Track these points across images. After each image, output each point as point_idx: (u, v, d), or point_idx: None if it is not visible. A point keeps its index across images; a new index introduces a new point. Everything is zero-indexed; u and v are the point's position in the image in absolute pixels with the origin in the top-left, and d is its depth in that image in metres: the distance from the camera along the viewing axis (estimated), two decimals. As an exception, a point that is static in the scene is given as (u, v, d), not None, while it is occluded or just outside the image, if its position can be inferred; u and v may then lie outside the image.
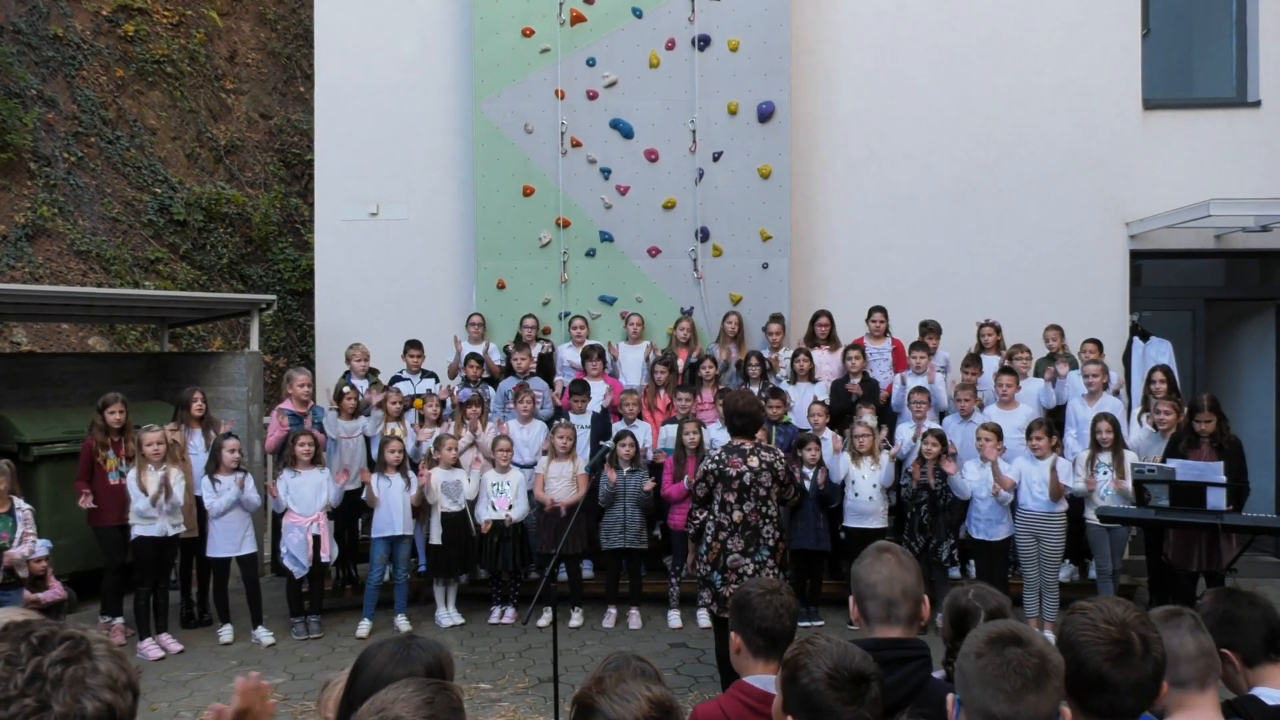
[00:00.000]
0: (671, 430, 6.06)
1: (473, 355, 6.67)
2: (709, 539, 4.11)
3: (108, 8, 10.39)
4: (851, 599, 2.04)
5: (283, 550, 5.61)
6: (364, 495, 5.81)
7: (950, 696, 1.51)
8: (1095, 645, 1.53)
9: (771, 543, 4.10)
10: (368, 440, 6.19)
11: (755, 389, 6.33)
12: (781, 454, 4.32)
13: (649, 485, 5.77)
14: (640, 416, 6.28)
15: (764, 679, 2.02)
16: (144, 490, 5.25)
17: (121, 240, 9.78)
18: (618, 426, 6.16)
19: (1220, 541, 4.87)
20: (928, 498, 5.63)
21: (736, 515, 4.06)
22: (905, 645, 1.93)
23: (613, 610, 5.86)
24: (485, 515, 5.84)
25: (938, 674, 2.02)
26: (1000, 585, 5.43)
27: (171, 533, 5.35)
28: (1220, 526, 4.69)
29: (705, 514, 4.14)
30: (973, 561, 5.94)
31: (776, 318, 6.92)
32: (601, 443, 5.64)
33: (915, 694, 1.87)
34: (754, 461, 4.09)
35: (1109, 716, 1.53)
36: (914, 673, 1.90)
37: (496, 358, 6.91)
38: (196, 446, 5.77)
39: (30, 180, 9.44)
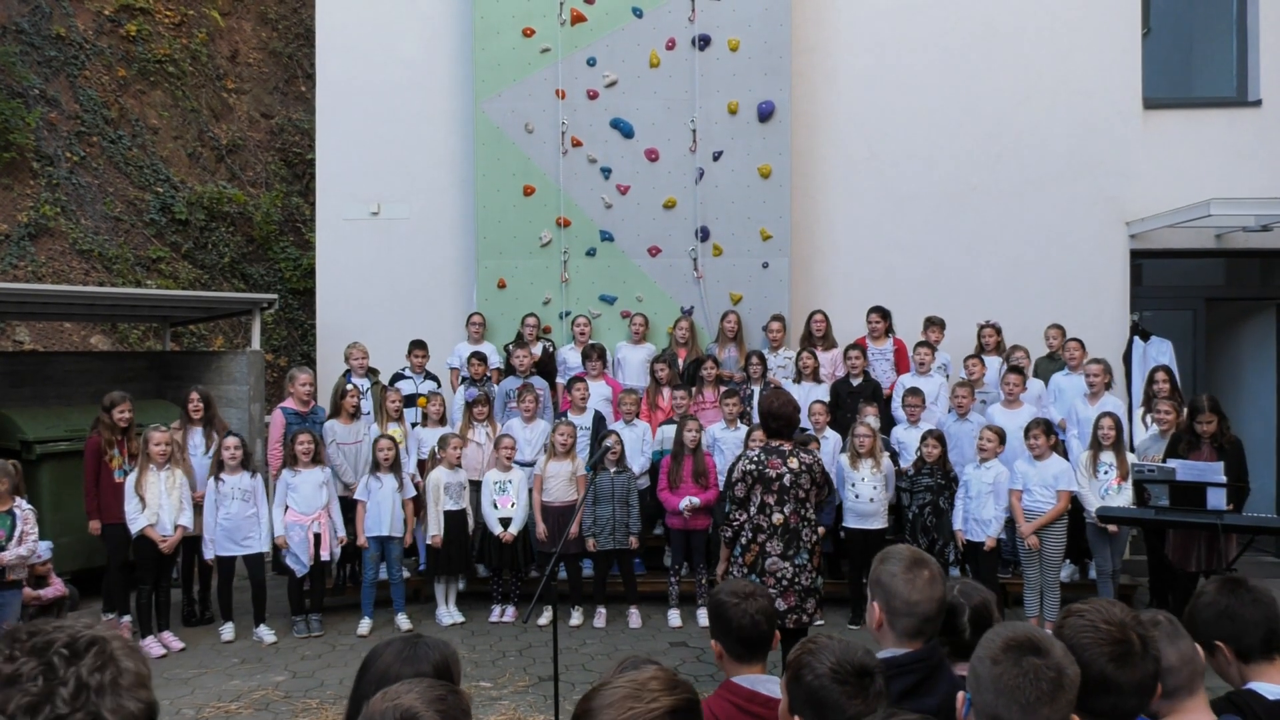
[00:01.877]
0: (670, 430, 6.07)
1: (475, 354, 6.68)
2: (745, 541, 4.01)
3: (110, 8, 10.41)
4: (876, 605, 1.94)
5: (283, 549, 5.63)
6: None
7: (961, 695, 1.51)
8: (1098, 647, 1.53)
9: (810, 545, 4.03)
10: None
11: (755, 389, 6.34)
12: (819, 456, 4.25)
13: (633, 543, 5.78)
14: (638, 415, 6.29)
15: (751, 678, 2.01)
16: (140, 495, 5.28)
17: (123, 239, 9.81)
18: (612, 426, 6.17)
19: (1220, 541, 4.86)
20: (930, 499, 5.63)
21: (777, 517, 3.96)
22: (934, 652, 1.92)
23: (603, 610, 5.86)
24: (489, 513, 5.86)
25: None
26: (991, 586, 5.43)
27: (175, 527, 5.38)
28: (1220, 526, 4.70)
29: (744, 516, 4.03)
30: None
31: (778, 317, 6.92)
32: (605, 443, 5.66)
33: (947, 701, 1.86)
34: (794, 463, 4.01)
35: (1111, 718, 1.54)
36: (952, 678, 1.89)
37: (495, 362, 6.92)
38: (197, 446, 5.79)
39: (33, 179, 9.47)
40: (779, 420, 4.10)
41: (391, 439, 5.81)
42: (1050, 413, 6.18)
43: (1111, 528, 5.35)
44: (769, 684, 1.99)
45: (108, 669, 1.00)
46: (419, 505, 5.96)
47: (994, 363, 6.53)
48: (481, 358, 6.65)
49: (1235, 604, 1.97)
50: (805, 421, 6.16)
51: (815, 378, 6.46)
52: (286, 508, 5.57)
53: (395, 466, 5.74)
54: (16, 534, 4.83)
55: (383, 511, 5.70)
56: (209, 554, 5.50)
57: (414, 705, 1.26)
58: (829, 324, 6.83)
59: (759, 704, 1.93)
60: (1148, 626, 1.59)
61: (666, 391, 6.43)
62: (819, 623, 4.08)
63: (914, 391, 6.07)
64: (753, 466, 4.03)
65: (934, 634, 1.94)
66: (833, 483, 5.36)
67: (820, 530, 4.24)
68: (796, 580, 3.96)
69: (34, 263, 9.12)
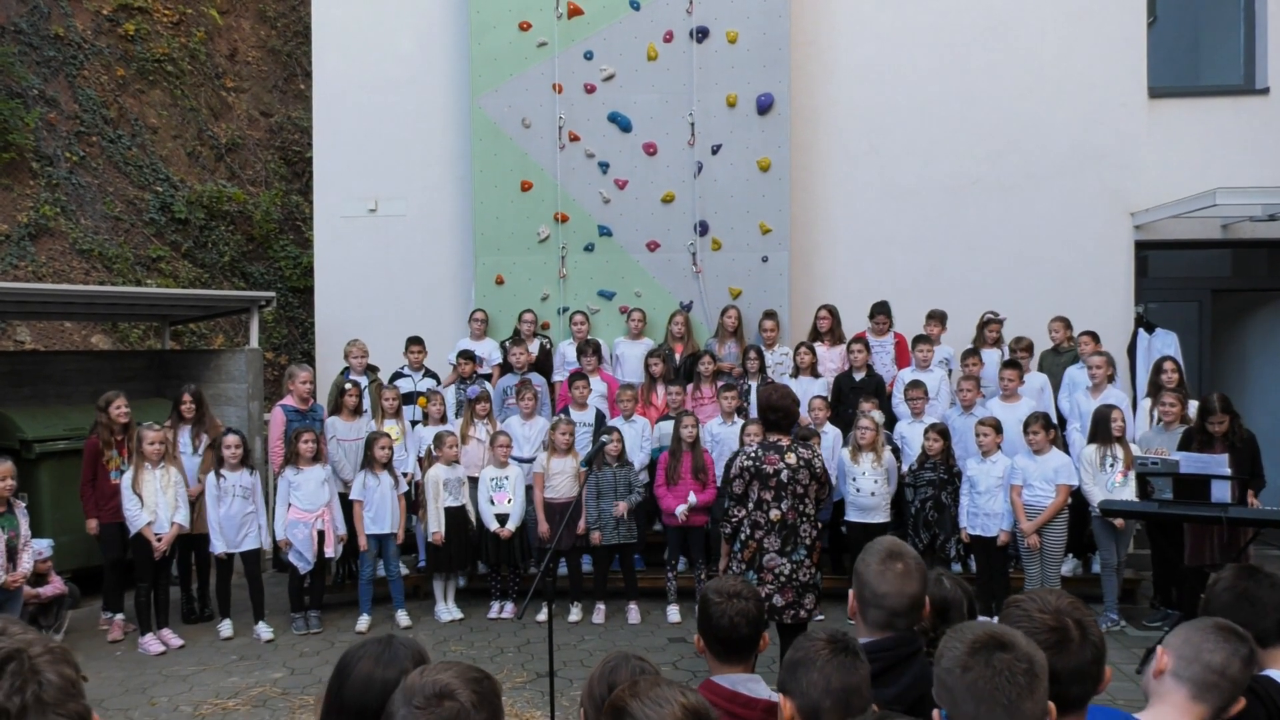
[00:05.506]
0: (666, 427, 6.03)
1: (462, 353, 6.65)
2: (744, 537, 3.96)
3: (108, 7, 10.40)
4: (851, 594, 2.00)
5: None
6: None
7: (936, 713, 1.45)
8: (1032, 636, 1.49)
9: (809, 541, 3.97)
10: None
11: (753, 384, 6.30)
12: (819, 451, 4.19)
13: (620, 509, 5.71)
14: (635, 411, 6.25)
15: (732, 678, 1.99)
16: (137, 493, 5.27)
17: (123, 239, 9.81)
18: (612, 422, 6.14)
19: (1241, 535, 4.77)
20: (933, 494, 5.58)
21: (774, 514, 3.92)
22: (904, 643, 1.91)
23: (602, 606, 5.83)
24: (485, 509, 5.84)
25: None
26: (1000, 581, 5.39)
27: (171, 524, 5.37)
28: (1224, 520, 4.62)
29: (742, 512, 3.97)
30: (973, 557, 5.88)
31: (770, 314, 6.83)
32: (602, 438, 5.62)
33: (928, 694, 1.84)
34: (791, 459, 3.94)
35: (1057, 705, 1.49)
36: (921, 669, 1.88)
37: (495, 359, 6.89)
38: (185, 445, 5.76)
39: (32, 180, 9.48)
40: (778, 413, 4.01)
41: (389, 436, 5.79)
42: (1053, 404, 6.12)
43: (1117, 521, 5.28)
44: (751, 684, 1.96)
45: (28, 689, 0.95)
46: (412, 503, 5.94)
47: (995, 356, 6.47)
48: (470, 356, 6.61)
49: (1253, 588, 1.98)
50: (806, 416, 6.12)
51: (813, 372, 6.40)
52: (290, 505, 5.56)
53: (389, 465, 5.73)
54: (23, 535, 4.81)
55: (382, 509, 5.69)
56: (217, 549, 5.48)
57: (451, 682, 1.30)
58: (834, 319, 6.77)
59: (740, 704, 1.90)
60: (1088, 613, 1.57)
61: (661, 387, 6.39)
62: (819, 617, 4.04)
63: (915, 385, 6.01)
64: (750, 462, 3.98)
65: (906, 626, 1.92)
66: (830, 480, 5.32)
67: (818, 525, 4.20)
68: (794, 576, 3.91)
69: (34, 263, 9.13)
